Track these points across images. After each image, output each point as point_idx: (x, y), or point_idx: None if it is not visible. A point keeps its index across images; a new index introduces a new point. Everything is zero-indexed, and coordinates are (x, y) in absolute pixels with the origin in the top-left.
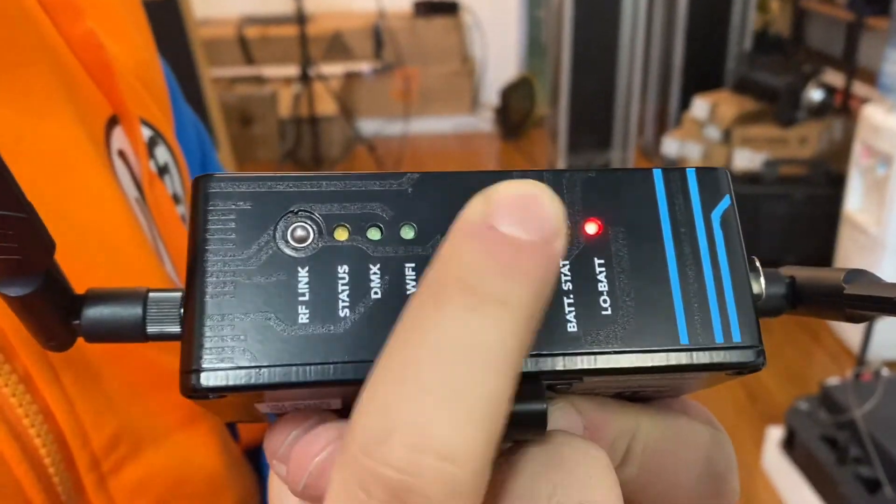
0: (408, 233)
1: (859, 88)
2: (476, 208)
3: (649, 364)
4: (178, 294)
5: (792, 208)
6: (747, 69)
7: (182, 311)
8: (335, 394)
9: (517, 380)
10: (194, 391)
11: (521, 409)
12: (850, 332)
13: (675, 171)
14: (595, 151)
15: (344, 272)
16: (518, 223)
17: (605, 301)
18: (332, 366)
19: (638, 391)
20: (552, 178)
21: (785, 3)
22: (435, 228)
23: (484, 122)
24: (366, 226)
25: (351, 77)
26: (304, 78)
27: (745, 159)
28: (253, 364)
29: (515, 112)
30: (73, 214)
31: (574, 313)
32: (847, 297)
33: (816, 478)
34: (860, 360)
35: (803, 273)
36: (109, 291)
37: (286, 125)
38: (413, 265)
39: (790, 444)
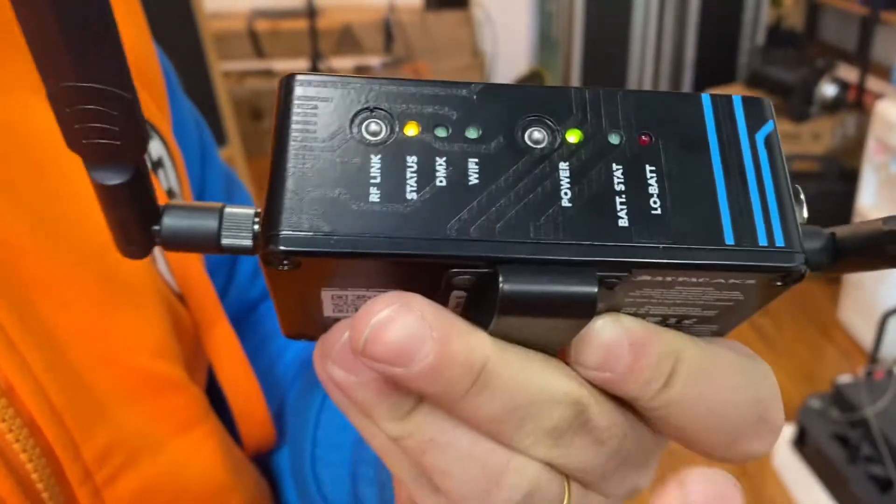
0: (472, 133)
1: (873, 84)
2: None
3: (695, 261)
4: (252, 211)
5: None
6: (760, 63)
7: (255, 226)
8: (395, 279)
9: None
10: (272, 254)
11: (572, 291)
12: (863, 330)
13: (722, 97)
14: None
15: (413, 162)
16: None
17: (654, 202)
18: (398, 239)
19: (683, 317)
20: (607, 95)
21: None
22: (496, 131)
23: None
24: (434, 124)
25: (361, 71)
26: (315, 71)
27: None
28: (327, 232)
29: None
30: (59, 219)
31: (625, 210)
32: (888, 234)
33: (828, 476)
34: (873, 357)
35: (843, 228)
36: (187, 204)
37: None
38: (476, 160)
39: (802, 442)
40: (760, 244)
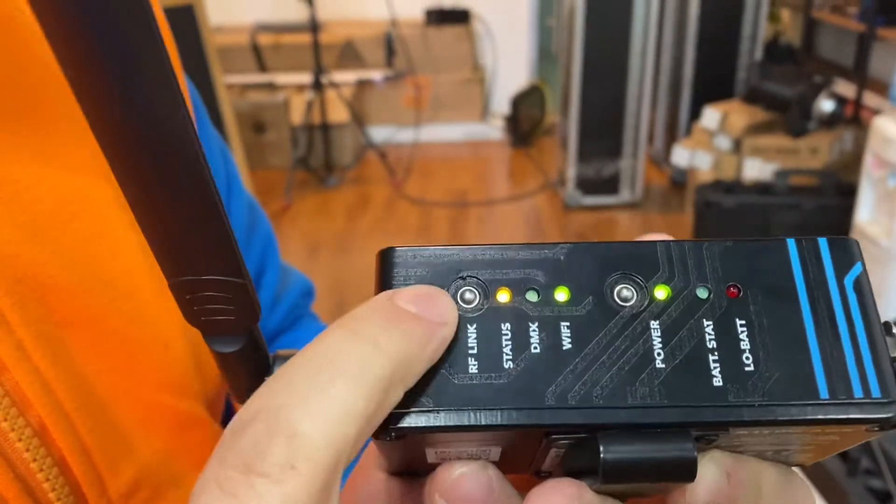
0: (561, 295)
1: (870, 99)
2: (385, 293)
3: (791, 417)
4: None
5: (802, 218)
6: (758, 79)
7: None
8: (497, 440)
9: (376, 409)
10: (379, 432)
11: (672, 457)
12: None
13: (808, 240)
14: (605, 160)
15: (507, 329)
16: (412, 302)
17: (747, 358)
18: (498, 411)
19: (779, 451)
20: (693, 247)
21: (796, 13)
22: (585, 292)
23: (494, 129)
24: (525, 288)
25: (363, 85)
26: (317, 85)
27: (756, 169)
28: (430, 408)
29: (525, 120)
30: (92, 259)
31: (719, 369)
32: None
33: (827, 489)
34: None
35: None
36: (295, 353)
37: (298, 132)
38: (568, 324)
39: None
40: (856, 396)
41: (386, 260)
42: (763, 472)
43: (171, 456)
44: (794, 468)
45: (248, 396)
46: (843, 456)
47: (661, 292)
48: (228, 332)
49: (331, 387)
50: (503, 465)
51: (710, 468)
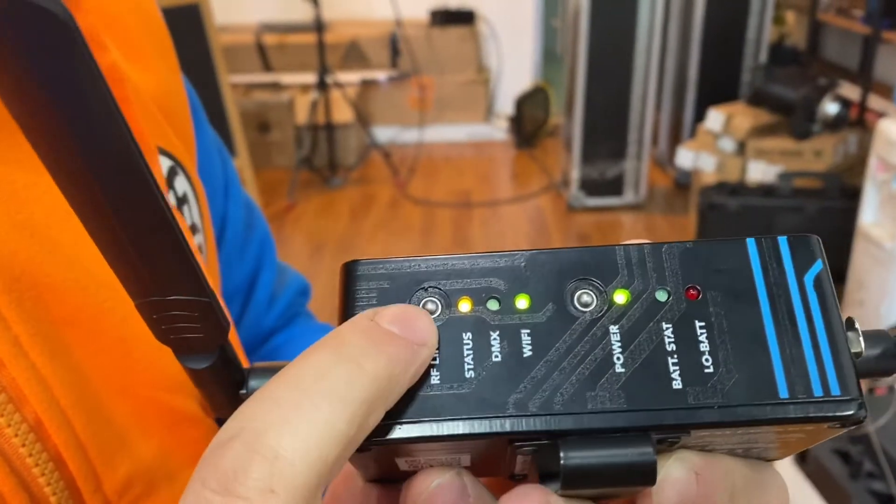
0: (522, 302)
1: (875, 102)
2: (367, 312)
3: (751, 417)
4: None
5: (806, 221)
6: (762, 81)
7: None
8: (464, 449)
9: (357, 431)
10: None
11: (632, 460)
12: None
13: (767, 239)
14: (609, 161)
15: (468, 339)
16: (394, 323)
17: (706, 360)
18: (460, 421)
19: (749, 449)
20: (652, 250)
21: (801, 15)
22: (545, 298)
23: (498, 130)
24: (486, 297)
25: (367, 85)
26: (321, 85)
27: (759, 171)
28: (393, 421)
29: (529, 121)
30: (88, 258)
31: (678, 371)
32: None
33: (829, 492)
34: None
35: None
36: (271, 366)
37: (303, 132)
38: (528, 331)
39: (803, 458)
40: (815, 395)
41: (349, 273)
42: (734, 470)
43: (166, 452)
44: (767, 463)
45: (223, 410)
46: (846, 458)
47: (620, 296)
48: (198, 349)
49: (314, 409)
50: (477, 469)
51: (677, 468)
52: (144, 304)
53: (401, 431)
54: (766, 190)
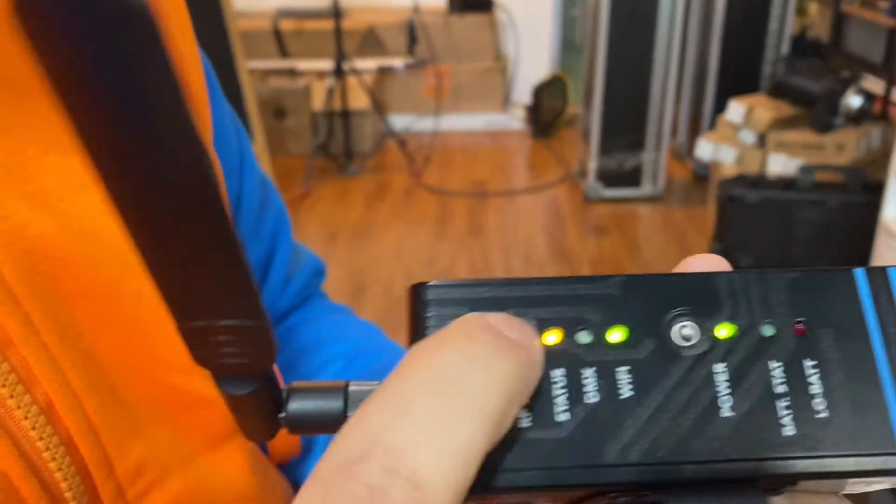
0: (617, 335)
1: None
2: (473, 315)
3: (866, 468)
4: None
5: (827, 215)
6: (784, 73)
7: None
8: (555, 498)
9: (491, 446)
10: None
11: None
12: None
13: (877, 270)
14: (627, 152)
15: (559, 376)
16: (507, 327)
17: (818, 403)
18: (554, 471)
19: (837, 486)
20: (756, 280)
21: (824, 7)
22: (644, 332)
23: (515, 120)
24: (576, 328)
25: (384, 72)
26: (338, 72)
27: (780, 164)
28: (493, 466)
29: (547, 111)
30: (101, 231)
31: (790, 416)
32: None
33: None
34: None
35: None
36: (311, 386)
37: (319, 118)
38: (626, 368)
39: None
40: None
41: (418, 296)
42: None
43: (180, 436)
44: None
45: (257, 435)
46: None
47: (723, 330)
48: (242, 373)
49: (456, 423)
50: None
51: None
52: (189, 329)
53: (492, 482)
54: (786, 183)
